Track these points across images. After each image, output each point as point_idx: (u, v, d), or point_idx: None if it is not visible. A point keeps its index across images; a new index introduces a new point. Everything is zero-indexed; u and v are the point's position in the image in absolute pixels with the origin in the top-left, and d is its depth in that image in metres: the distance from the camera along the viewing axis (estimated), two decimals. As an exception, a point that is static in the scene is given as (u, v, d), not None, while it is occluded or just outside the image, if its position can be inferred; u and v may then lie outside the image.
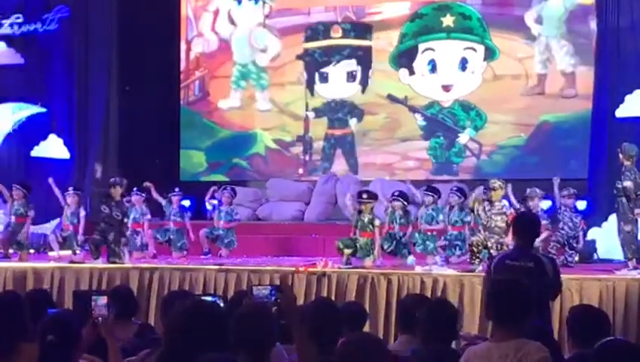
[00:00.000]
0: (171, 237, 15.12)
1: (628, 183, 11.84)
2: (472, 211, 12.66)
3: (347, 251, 12.77)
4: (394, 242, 13.34)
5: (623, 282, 10.94)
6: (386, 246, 13.31)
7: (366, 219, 12.93)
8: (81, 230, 14.74)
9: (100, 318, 5.48)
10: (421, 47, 18.04)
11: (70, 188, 15.06)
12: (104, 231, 13.56)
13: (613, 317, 10.50)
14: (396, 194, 13.76)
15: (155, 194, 15.33)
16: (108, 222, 13.57)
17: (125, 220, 13.90)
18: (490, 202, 12.17)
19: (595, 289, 10.83)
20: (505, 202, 12.41)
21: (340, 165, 18.63)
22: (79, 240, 14.60)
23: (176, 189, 15.45)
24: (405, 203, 13.66)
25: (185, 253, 14.98)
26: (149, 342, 6.02)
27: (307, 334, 5.30)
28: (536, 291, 5.62)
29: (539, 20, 17.34)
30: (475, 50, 17.74)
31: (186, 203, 16.05)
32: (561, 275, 11.18)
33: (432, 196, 13.83)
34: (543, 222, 12.05)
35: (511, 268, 7.26)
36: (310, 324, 5.42)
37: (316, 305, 5.97)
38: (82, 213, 14.82)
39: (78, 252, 14.41)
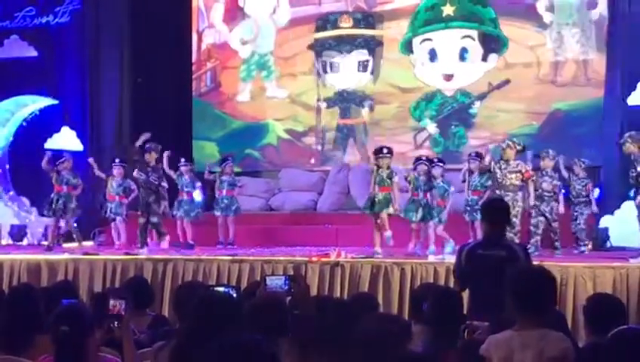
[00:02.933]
0: (185, 207, 15.33)
1: None
2: (490, 171, 12.93)
3: (368, 212, 13.18)
4: (419, 209, 13.44)
5: (636, 270, 10.92)
6: (414, 217, 13.48)
7: (385, 174, 13.09)
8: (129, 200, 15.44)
9: (115, 323, 5.47)
10: (420, 37, 18.06)
11: (117, 160, 15.62)
12: (144, 197, 13.94)
13: (627, 305, 10.49)
14: (423, 158, 13.95)
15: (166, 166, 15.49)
16: (146, 186, 13.90)
17: (163, 184, 14.23)
18: (506, 161, 12.58)
19: (609, 277, 10.83)
20: (525, 165, 12.80)
21: (352, 155, 18.63)
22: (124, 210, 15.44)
23: (182, 160, 15.72)
24: (429, 166, 13.74)
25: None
26: (163, 334, 6.04)
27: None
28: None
29: (550, 8, 17.26)
30: (473, 38, 17.73)
31: (198, 196, 16.09)
32: (575, 263, 11.30)
33: (442, 168, 13.93)
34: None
35: (482, 257, 7.28)
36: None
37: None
38: (134, 186, 15.20)
39: (120, 219, 15.37)
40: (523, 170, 12.55)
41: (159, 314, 10.22)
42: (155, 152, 14.04)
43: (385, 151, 13.33)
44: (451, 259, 11.82)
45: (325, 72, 18.79)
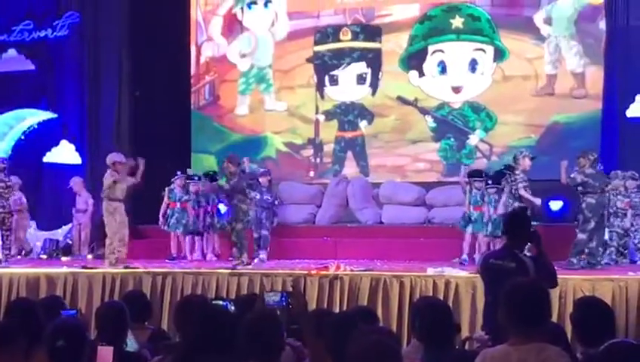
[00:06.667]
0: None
1: None
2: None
3: (468, 230, 14.52)
4: (489, 223, 14.31)
5: (635, 282, 10.92)
6: (487, 232, 14.29)
7: (478, 196, 14.58)
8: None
9: None
10: (430, 48, 18.04)
11: (195, 177, 16.30)
12: (257, 214, 15.19)
13: (626, 317, 10.51)
14: (491, 183, 14.68)
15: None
16: (259, 205, 15.27)
17: (276, 202, 15.87)
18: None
19: (608, 290, 10.80)
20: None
21: (350, 168, 18.61)
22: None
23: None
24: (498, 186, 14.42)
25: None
26: (163, 348, 6.04)
27: None
28: None
29: (548, 21, 17.30)
30: (484, 51, 17.73)
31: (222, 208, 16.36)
32: (574, 276, 11.29)
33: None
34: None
35: (493, 267, 7.43)
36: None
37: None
38: (215, 198, 16.14)
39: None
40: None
41: (159, 327, 10.22)
42: (269, 174, 15.80)
43: (483, 175, 14.82)
44: (451, 272, 11.92)
45: (324, 85, 18.80)
